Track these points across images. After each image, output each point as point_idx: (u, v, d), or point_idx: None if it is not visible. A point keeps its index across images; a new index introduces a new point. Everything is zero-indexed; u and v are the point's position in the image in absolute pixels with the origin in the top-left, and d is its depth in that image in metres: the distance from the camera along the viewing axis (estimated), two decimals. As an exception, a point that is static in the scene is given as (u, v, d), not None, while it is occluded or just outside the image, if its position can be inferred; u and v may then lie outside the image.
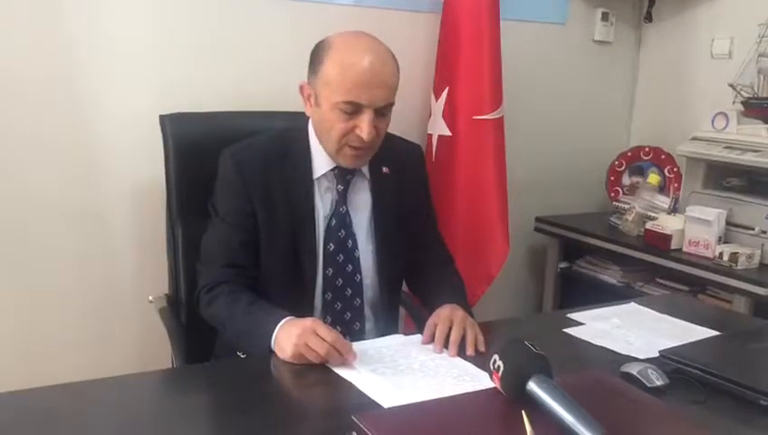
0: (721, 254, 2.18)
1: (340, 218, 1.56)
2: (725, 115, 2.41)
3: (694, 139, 2.48)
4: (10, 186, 1.93)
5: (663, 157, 2.78)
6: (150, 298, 1.79)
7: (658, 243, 2.34)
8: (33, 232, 1.97)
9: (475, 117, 2.40)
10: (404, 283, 1.74)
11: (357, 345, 1.32)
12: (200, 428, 1.11)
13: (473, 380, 1.24)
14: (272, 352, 1.32)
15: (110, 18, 1.98)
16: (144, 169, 2.01)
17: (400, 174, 1.63)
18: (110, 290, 2.09)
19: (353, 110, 1.43)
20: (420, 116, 2.53)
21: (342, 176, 1.56)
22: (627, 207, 2.61)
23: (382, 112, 1.46)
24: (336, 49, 1.45)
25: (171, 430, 1.07)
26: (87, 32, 1.96)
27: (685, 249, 2.30)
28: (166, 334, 1.69)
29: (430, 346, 1.38)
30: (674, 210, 2.47)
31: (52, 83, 1.94)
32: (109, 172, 2.05)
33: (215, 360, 1.59)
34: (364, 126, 1.43)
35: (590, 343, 1.45)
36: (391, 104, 1.48)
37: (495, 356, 1.09)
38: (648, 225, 2.42)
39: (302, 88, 1.53)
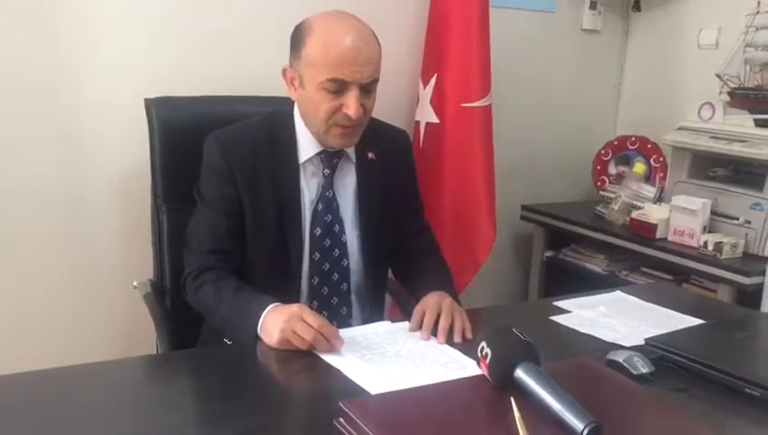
0: (706, 243, 2.19)
1: (327, 203, 1.55)
2: (712, 105, 2.42)
3: (680, 128, 2.50)
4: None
5: (649, 146, 2.79)
6: (135, 284, 1.77)
7: (644, 232, 2.36)
8: (17, 217, 1.95)
9: (463, 104, 2.39)
10: (390, 270, 1.74)
11: (344, 332, 1.32)
12: (186, 414, 1.10)
13: (460, 367, 1.24)
14: (258, 338, 1.31)
15: (96, 2, 1.95)
16: (129, 153, 1.99)
17: (386, 160, 1.62)
18: (94, 276, 2.07)
19: (339, 88, 1.42)
20: (408, 103, 2.52)
21: (329, 160, 1.55)
22: (612, 196, 2.61)
23: (368, 89, 1.45)
24: (317, 29, 1.44)
25: (156, 416, 1.07)
26: (72, 15, 1.93)
27: (670, 238, 2.32)
28: (151, 320, 1.69)
29: (418, 333, 1.38)
30: (659, 200, 2.48)
31: (36, 68, 1.91)
32: (93, 157, 2.02)
33: (200, 346, 1.58)
34: (351, 103, 1.42)
35: (576, 330, 1.46)
36: (376, 80, 1.47)
37: (483, 343, 1.09)
38: (634, 214, 2.43)
39: (284, 71, 1.52)
